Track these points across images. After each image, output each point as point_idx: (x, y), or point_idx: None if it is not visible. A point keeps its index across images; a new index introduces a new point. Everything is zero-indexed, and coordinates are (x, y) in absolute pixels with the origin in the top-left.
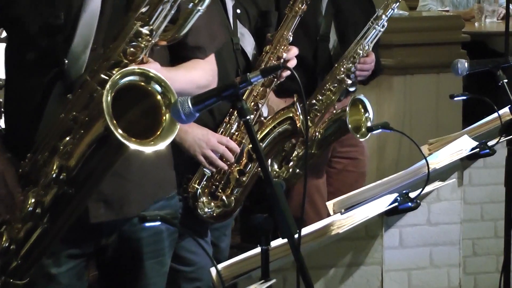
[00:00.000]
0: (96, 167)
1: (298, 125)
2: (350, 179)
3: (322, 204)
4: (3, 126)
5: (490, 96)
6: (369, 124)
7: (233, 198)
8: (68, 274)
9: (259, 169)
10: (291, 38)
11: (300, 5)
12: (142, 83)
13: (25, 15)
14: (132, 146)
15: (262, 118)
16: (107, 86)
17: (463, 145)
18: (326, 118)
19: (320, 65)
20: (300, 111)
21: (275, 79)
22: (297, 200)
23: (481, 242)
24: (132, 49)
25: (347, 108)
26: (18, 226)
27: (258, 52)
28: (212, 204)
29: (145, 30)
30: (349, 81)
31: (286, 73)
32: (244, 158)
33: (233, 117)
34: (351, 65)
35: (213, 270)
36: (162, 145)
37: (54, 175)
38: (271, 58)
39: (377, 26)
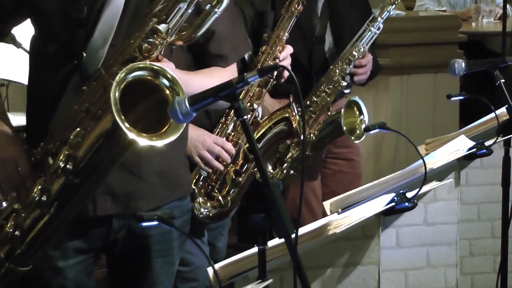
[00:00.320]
0: (102, 159)
1: (294, 126)
2: (346, 180)
3: (317, 205)
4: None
5: (487, 96)
6: (363, 126)
7: (229, 198)
8: (75, 268)
9: (255, 169)
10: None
11: (296, 6)
12: (151, 78)
13: (50, 7)
14: (139, 140)
15: (258, 119)
16: (114, 81)
17: (460, 145)
18: (321, 120)
19: (315, 67)
20: (296, 111)
21: (271, 80)
22: (292, 202)
23: (478, 242)
24: (147, 45)
25: (342, 110)
26: (24, 212)
27: (254, 53)
28: (208, 204)
29: (161, 28)
30: (344, 83)
31: (286, 73)
32: (240, 159)
33: (229, 117)
34: (346, 66)
35: (210, 270)
36: (169, 140)
37: (61, 164)
38: (267, 59)
39: (372, 28)
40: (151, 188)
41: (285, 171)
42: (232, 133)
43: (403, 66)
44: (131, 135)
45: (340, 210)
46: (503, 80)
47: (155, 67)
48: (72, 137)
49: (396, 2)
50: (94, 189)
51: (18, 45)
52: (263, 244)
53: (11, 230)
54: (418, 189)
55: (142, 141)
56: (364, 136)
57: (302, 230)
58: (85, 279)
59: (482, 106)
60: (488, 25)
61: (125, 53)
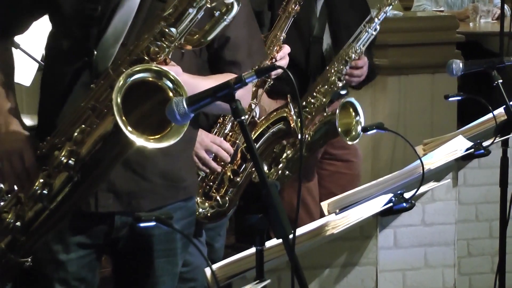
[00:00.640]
0: (104, 157)
1: (292, 126)
2: (343, 181)
3: (314, 205)
4: None
5: (485, 96)
6: (359, 128)
7: (227, 198)
8: (76, 262)
9: (253, 169)
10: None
11: (293, 6)
12: (154, 79)
13: (67, 4)
14: (141, 142)
15: (256, 119)
16: (116, 84)
17: (458, 145)
18: (317, 121)
19: (312, 67)
20: (293, 111)
21: (268, 80)
22: (288, 202)
23: (475, 242)
24: (155, 48)
25: (337, 111)
26: (25, 204)
27: None
28: (206, 204)
29: (169, 31)
30: (340, 84)
31: (276, 72)
32: (238, 159)
33: (226, 117)
34: (342, 67)
35: (207, 270)
36: (169, 143)
37: (64, 160)
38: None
39: (369, 30)
40: (153, 188)
41: (280, 172)
42: (230, 133)
43: (401, 66)
44: (133, 137)
45: (338, 211)
46: (501, 80)
47: (158, 69)
48: (76, 133)
49: (393, 4)
50: (95, 186)
51: (16, 45)
52: (260, 245)
53: (12, 221)
54: (416, 189)
55: (144, 143)
56: (358, 138)
57: (299, 231)
58: (87, 274)
59: (480, 106)
60: (485, 25)
61: (133, 54)
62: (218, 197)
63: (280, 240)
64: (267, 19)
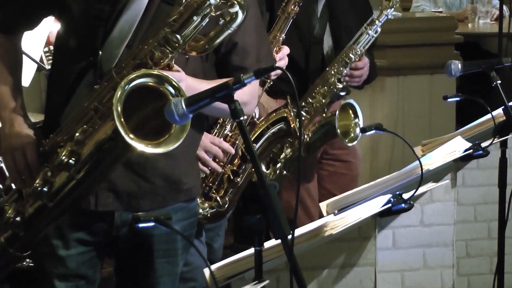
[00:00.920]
0: (104, 159)
1: (292, 126)
2: (342, 182)
3: (312, 206)
4: None
5: (483, 97)
6: (358, 129)
7: (227, 198)
8: (76, 258)
9: (253, 169)
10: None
11: (292, 7)
12: (156, 84)
13: (74, 3)
14: (140, 147)
15: (255, 119)
16: (117, 90)
17: (457, 146)
18: (316, 122)
19: (311, 68)
20: (293, 112)
21: (268, 80)
22: (286, 202)
23: (474, 243)
24: (159, 53)
25: (337, 113)
26: (26, 200)
27: None
28: (206, 205)
29: (173, 37)
30: (340, 85)
31: (275, 72)
32: (237, 159)
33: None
34: (342, 69)
35: (206, 271)
36: (169, 148)
37: (64, 159)
38: None
39: (370, 32)
40: (154, 189)
41: (278, 171)
42: (230, 134)
43: (399, 67)
44: (133, 142)
45: (336, 211)
46: (499, 81)
47: (159, 74)
48: (78, 133)
49: (394, 6)
50: (95, 186)
51: None
52: (259, 245)
53: (12, 216)
54: (414, 190)
55: (144, 149)
56: (357, 140)
57: (298, 231)
58: (88, 271)
59: (478, 107)
60: (484, 26)
61: (137, 58)
62: (218, 198)
63: (279, 241)
64: (265, 20)
